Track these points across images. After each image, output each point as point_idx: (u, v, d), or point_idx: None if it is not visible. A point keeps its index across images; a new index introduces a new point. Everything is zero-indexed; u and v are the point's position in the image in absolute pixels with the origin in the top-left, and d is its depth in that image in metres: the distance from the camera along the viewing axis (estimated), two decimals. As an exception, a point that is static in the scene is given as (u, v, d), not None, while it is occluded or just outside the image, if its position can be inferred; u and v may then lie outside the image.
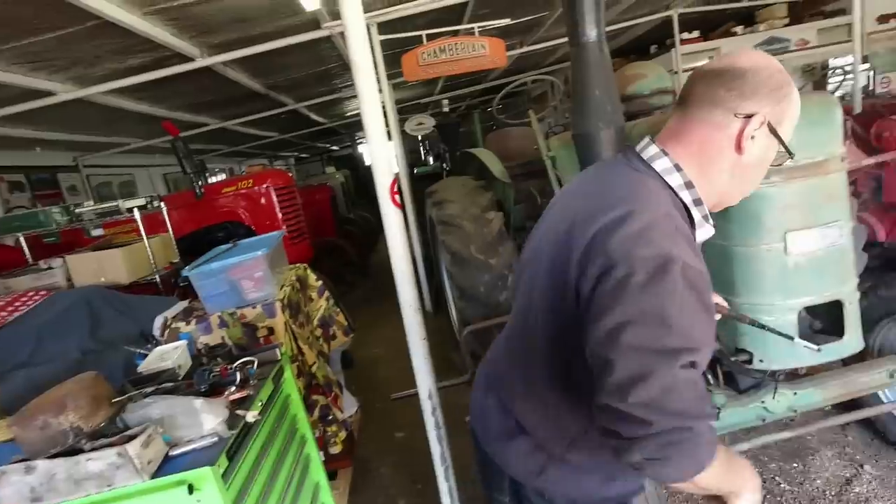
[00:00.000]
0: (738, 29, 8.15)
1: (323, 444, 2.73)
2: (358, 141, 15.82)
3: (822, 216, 1.66)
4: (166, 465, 1.25)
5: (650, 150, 1.01)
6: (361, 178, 11.36)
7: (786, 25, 8.03)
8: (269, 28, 4.42)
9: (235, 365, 1.60)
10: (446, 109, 8.29)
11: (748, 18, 8.26)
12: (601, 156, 2.07)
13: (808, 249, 1.66)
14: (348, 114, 11.16)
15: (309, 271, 3.25)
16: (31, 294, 2.88)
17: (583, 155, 2.15)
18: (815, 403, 2.00)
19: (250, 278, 2.64)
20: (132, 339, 2.48)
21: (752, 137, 0.93)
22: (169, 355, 1.61)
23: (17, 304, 2.70)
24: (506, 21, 5.01)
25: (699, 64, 7.24)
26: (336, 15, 4.53)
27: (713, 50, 7.91)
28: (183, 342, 1.72)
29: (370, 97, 1.56)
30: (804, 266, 1.68)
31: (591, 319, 0.86)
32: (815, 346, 1.67)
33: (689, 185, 0.97)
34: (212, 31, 4.17)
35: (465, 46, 4.72)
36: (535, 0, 5.75)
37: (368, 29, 4.66)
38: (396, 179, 1.65)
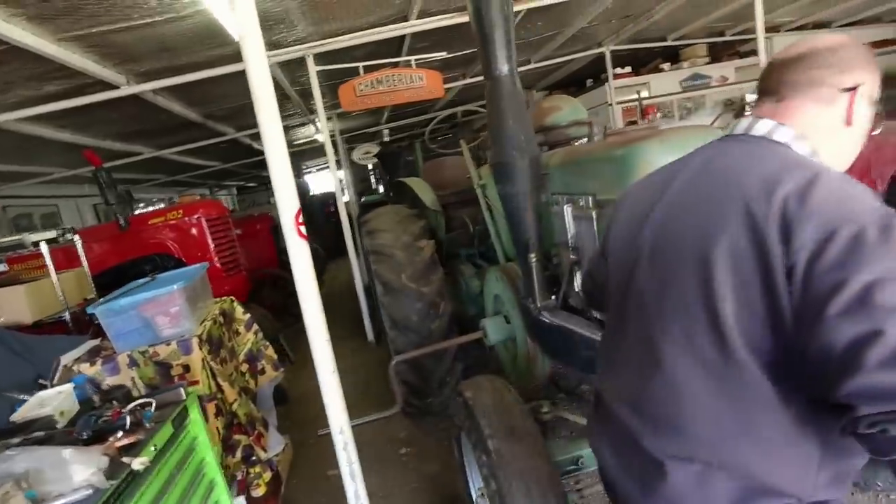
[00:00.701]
0: (665, 66, 8.75)
1: (245, 486, 2.58)
2: (306, 170, 15.65)
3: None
4: None
5: (764, 126, 0.96)
6: (308, 206, 11.21)
7: (707, 63, 8.69)
8: (198, 58, 4.34)
9: (128, 408, 1.49)
10: (387, 139, 8.36)
11: (674, 56, 8.88)
12: (518, 184, 2.13)
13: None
14: (296, 142, 11.05)
15: (236, 304, 3.13)
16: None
17: (500, 183, 2.20)
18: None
19: (165, 314, 2.51)
20: (27, 384, 2.29)
21: (858, 109, 0.93)
22: (50, 401, 1.48)
23: None
24: (442, 54, 5.15)
25: (632, 97, 7.52)
26: (271, 45, 4.52)
27: (643, 84, 8.44)
28: (69, 386, 1.60)
29: (273, 132, 1.54)
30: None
31: (824, 293, 0.73)
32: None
33: (814, 153, 0.94)
34: (135, 59, 4.06)
35: (403, 78, 4.80)
36: (471, 35, 5.96)
37: (305, 60, 4.69)
38: (301, 211, 1.62)
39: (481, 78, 7.62)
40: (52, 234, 3.15)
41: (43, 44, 3.31)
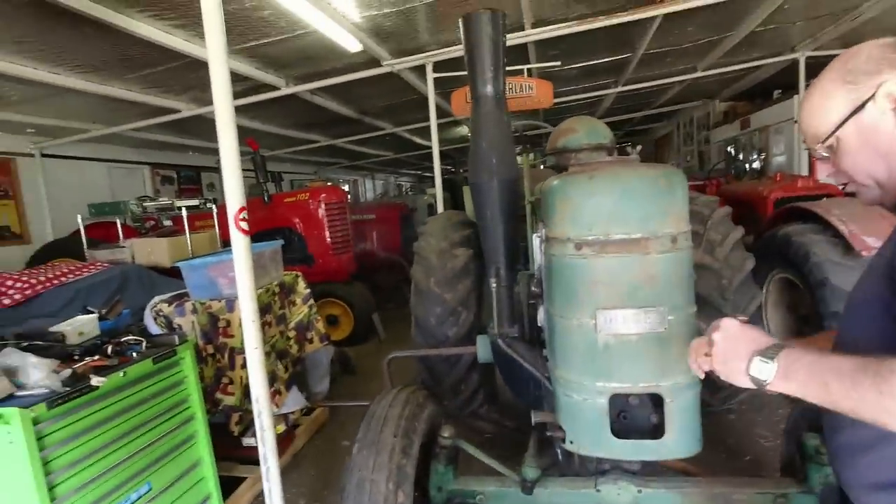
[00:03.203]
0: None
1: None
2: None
3: (638, 298, 1.52)
4: (9, 401, 1.66)
5: None
6: (462, 201, 11.78)
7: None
8: (337, 63, 5.04)
9: (112, 341, 1.99)
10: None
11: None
12: (485, 206, 2.12)
13: (618, 331, 1.53)
14: (466, 138, 11.70)
15: (300, 279, 3.65)
16: (98, 263, 3.71)
17: (475, 204, 2.20)
18: (667, 509, 1.77)
19: (225, 276, 3.11)
20: (142, 307, 3.12)
21: None
22: (74, 322, 2.07)
23: (83, 270, 3.52)
24: (557, 64, 5.00)
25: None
26: (396, 53, 4.99)
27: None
28: (93, 316, 2.18)
29: (227, 140, 1.86)
30: (616, 349, 1.54)
31: None
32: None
33: None
34: (287, 66, 4.91)
35: (513, 86, 4.83)
36: (612, 45, 5.61)
37: (424, 67, 5.04)
38: (244, 208, 1.92)
39: (603, 91, 7.17)
40: (194, 202, 4.12)
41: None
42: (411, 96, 6.84)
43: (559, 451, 1.95)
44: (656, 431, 1.64)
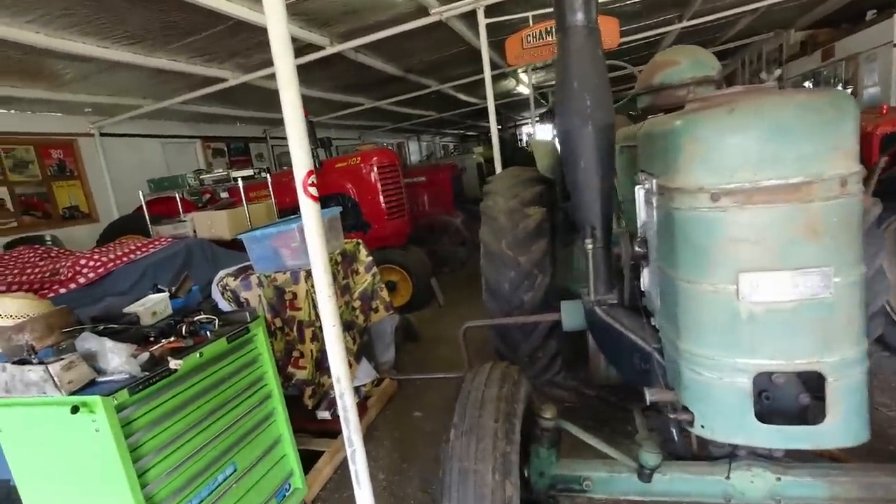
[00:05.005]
0: None
1: (332, 404, 3.00)
2: (519, 122, 15.73)
3: (795, 257, 1.24)
4: (92, 388, 1.60)
5: None
6: (509, 159, 11.36)
7: None
8: (382, 17, 4.72)
9: (185, 320, 1.90)
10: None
11: None
12: (577, 156, 1.84)
13: (769, 298, 1.26)
14: (513, 92, 11.09)
15: (361, 247, 3.51)
16: (163, 239, 3.69)
17: (565, 154, 1.92)
18: (812, 498, 1.52)
19: (288, 247, 3.00)
20: (209, 281, 3.08)
21: None
22: (146, 302, 1.99)
23: (150, 246, 3.51)
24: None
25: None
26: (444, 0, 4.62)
27: (968, 12, 5.85)
28: (164, 295, 2.10)
29: (290, 97, 1.66)
30: (763, 319, 1.28)
31: None
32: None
33: None
34: (330, 23, 4.64)
35: (575, 25, 4.37)
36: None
37: (476, 13, 4.65)
38: (312, 172, 1.73)
39: (664, 28, 6.47)
40: (248, 172, 4.02)
41: (258, 16, 4.07)
42: (459, 48, 6.44)
43: (674, 431, 1.73)
44: (806, 414, 1.39)
